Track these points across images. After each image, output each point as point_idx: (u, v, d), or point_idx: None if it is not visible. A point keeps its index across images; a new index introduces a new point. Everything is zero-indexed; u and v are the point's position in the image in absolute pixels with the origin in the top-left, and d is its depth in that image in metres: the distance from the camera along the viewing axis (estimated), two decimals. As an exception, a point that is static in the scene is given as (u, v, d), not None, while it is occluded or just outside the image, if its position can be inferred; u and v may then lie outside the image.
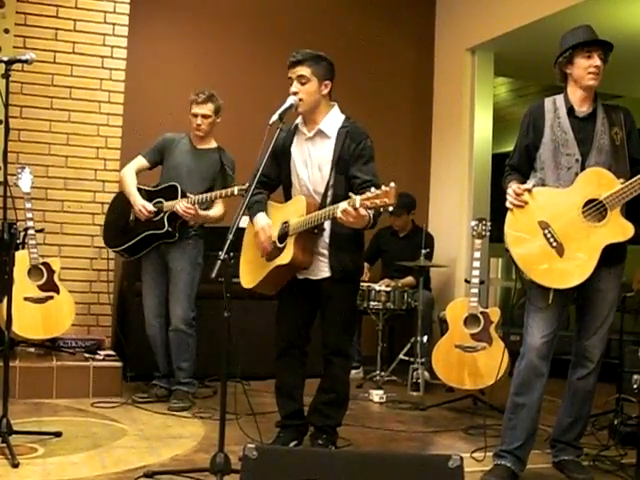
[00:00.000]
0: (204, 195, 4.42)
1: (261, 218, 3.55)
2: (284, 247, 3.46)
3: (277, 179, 3.68)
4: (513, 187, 3.34)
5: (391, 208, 3.01)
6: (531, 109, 3.47)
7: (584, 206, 3.24)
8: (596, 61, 3.26)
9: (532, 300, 3.35)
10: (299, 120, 3.60)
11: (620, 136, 3.31)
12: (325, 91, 3.51)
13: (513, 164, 3.51)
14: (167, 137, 4.69)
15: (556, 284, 3.25)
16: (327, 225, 3.45)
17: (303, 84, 3.45)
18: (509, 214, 3.37)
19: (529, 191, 3.32)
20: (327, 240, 3.47)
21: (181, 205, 4.35)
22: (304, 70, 3.44)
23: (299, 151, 3.57)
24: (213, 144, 4.68)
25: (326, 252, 3.48)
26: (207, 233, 4.66)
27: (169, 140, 4.67)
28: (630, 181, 3.18)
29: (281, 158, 3.60)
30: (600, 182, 3.23)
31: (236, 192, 4.26)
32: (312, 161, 3.52)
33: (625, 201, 3.20)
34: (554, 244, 3.25)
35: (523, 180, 3.44)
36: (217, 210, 4.55)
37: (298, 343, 3.63)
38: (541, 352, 3.31)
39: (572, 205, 3.25)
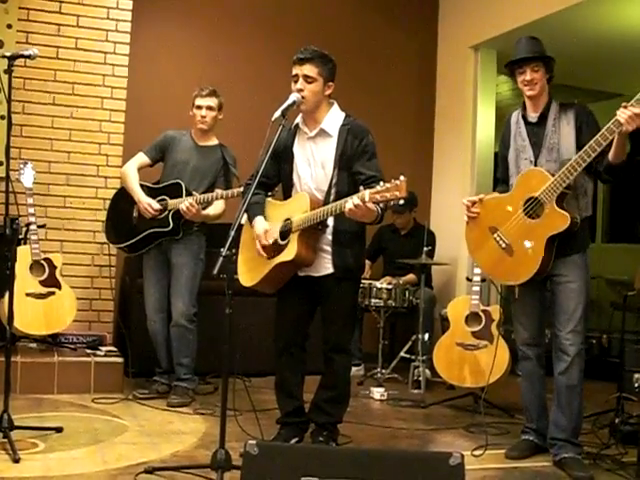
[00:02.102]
0: (208, 195, 4.43)
1: (259, 223, 3.54)
2: (287, 244, 3.45)
3: (276, 179, 3.68)
4: (463, 201, 3.67)
5: (402, 201, 3.01)
6: (505, 122, 3.80)
7: (524, 205, 3.47)
8: (527, 76, 3.54)
9: (510, 295, 3.74)
10: (299, 119, 3.60)
11: (570, 131, 3.48)
12: (328, 92, 3.53)
13: (499, 176, 3.83)
14: (168, 134, 4.69)
15: (509, 281, 3.62)
16: (330, 222, 3.45)
17: (309, 83, 3.45)
18: (466, 225, 3.73)
19: (481, 201, 3.64)
20: (330, 237, 3.47)
21: (185, 203, 4.36)
22: (311, 69, 3.45)
23: (301, 150, 3.57)
24: (215, 141, 4.68)
25: (329, 249, 3.47)
26: (208, 229, 4.66)
27: (171, 137, 4.67)
28: (557, 174, 3.37)
29: (282, 158, 3.60)
30: (534, 180, 3.46)
31: (236, 194, 4.29)
32: (315, 160, 3.52)
33: (558, 192, 3.37)
34: (503, 246, 3.55)
35: (507, 191, 3.70)
36: (217, 208, 4.54)
37: (298, 340, 3.63)
38: (522, 339, 3.70)
39: (514, 207, 3.52)
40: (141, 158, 4.64)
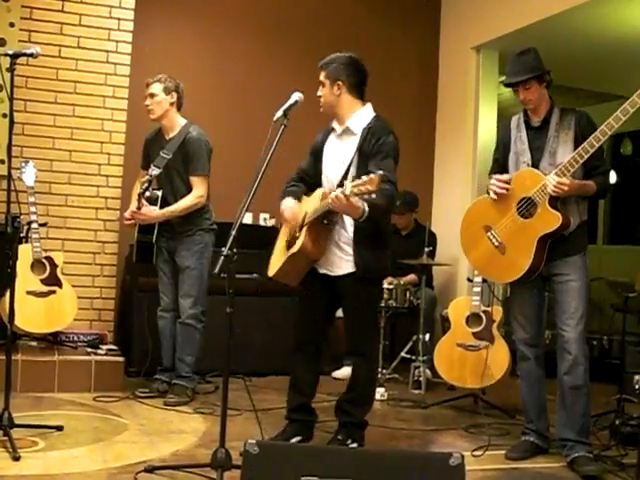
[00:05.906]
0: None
1: (288, 200, 3.62)
2: (299, 236, 3.50)
3: (315, 177, 3.70)
4: (493, 181, 3.65)
5: (374, 196, 2.99)
6: (500, 127, 3.89)
7: (517, 204, 3.54)
8: (520, 96, 3.65)
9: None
10: (335, 119, 3.66)
11: (570, 137, 3.54)
12: (337, 91, 3.56)
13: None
14: (146, 140, 4.74)
15: (500, 279, 3.76)
16: (349, 220, 3.44)
17: (322, 87, 3.59)
18: (461, 224, 3.83)
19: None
20: (350, 235, 3.46)
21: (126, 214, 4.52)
22: (321, 75, 3.60)
23: (330, 148, 3.64)
24: (178, 127, 4.57)
25: (349, 248, 3.47)
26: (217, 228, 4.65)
27: (148, 141, 4.72)
28: (550, 175, 3.44)
29: (317, 156, 3.68)
30: (528, 180, 3.53)
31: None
32: (338, 157, 3.56)
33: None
34: (496, 244, 3.62)
35: None
36: (187, 199, 4.48)
37: (314, 339, 3.63)
38: (521, 339, 3.71)
39: (508, 206, 3.58)
40: (141, 174, 4.71)
